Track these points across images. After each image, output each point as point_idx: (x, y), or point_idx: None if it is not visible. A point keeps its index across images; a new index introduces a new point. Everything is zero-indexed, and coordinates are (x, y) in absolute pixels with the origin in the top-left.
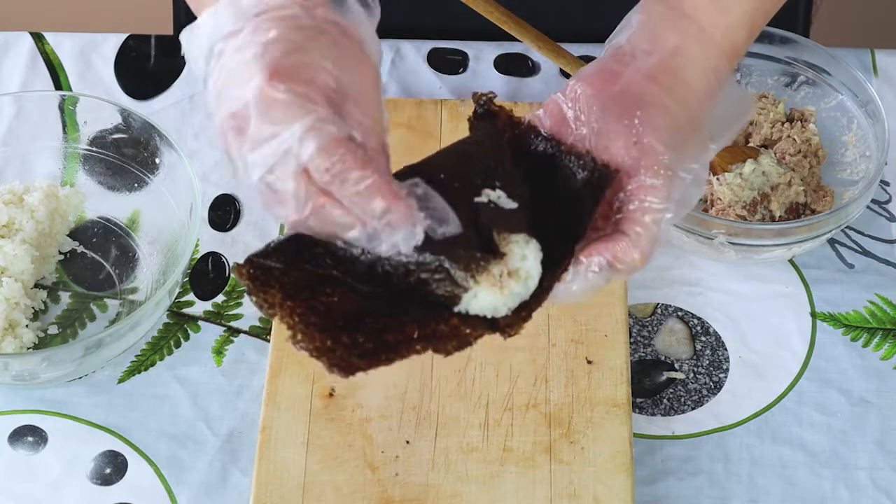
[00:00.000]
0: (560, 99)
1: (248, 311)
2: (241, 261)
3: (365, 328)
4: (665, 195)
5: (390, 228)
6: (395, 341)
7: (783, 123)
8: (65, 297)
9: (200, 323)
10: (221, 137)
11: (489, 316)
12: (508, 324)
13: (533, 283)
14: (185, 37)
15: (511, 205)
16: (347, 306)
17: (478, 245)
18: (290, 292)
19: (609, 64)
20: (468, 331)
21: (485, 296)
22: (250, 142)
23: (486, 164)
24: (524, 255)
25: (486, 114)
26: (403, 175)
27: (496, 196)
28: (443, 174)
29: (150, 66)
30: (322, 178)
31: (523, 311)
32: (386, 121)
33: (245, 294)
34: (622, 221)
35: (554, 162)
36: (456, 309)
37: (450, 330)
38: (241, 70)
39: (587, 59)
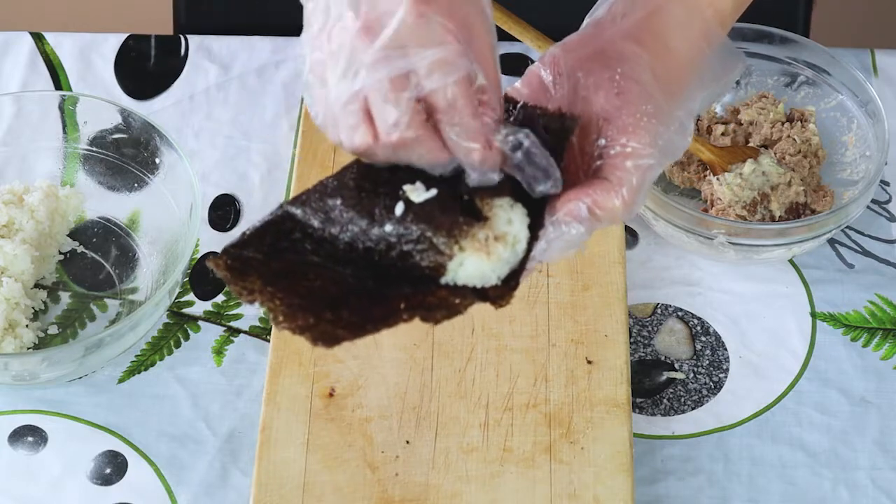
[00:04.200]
0: (536, 67)
1: (249, 312)
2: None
3: (350, 305)
4: (647, 141)
5: (475, 170)
6: (381, 314)
7: (783, 123)
8: (65, 297)
9: (200, 323)
10: (338, 37)
11: (478, 286)
12: (499, 294)
13: (521, 247)
14: None
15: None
16: (331, 289)
17: (461, 207)
18: (270, 279)
19: (587, 30)
20: (457, 300)
21: (472, 263)
22: (377, 49)
23: None
24: (510, 219)
25: None
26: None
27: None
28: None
29: (150, 66)
30: (440, 111)
31: (512, 280)
32: (497, 59)
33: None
34: (603, 168)
35: (531, 128)
36: (443, 281)
37: (438, 301)
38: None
39: None
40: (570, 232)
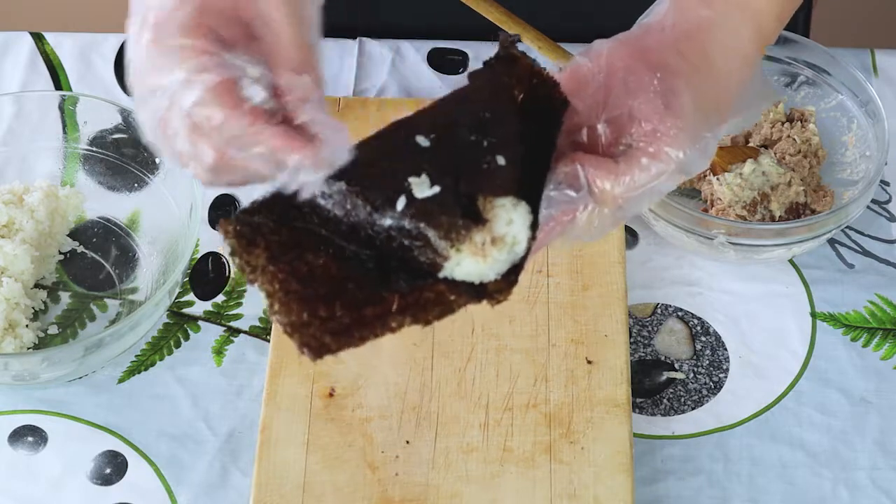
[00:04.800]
0: (579, 58)
1: (248, 311)
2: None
3: (344, 299)
4: (670, 150)
5: (289, 172)
6: (372, 315)
7: (783, 123)
8: (65, 297)
9: (200, 323)
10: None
11: (476, 282)
12: (497, 289)
13: (521, 248)
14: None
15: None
16: (332, 270)
17: (462, 208)
18: (275, 253)
19: (636, 31)
20: (453, 297)
21: (468, 264)
22: (138, 100)
23: (480, 117)
24: (510, 220)
25: (507, 58)
26: (387, 131)
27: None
28: (432, 128)
29: None
30: (209, 131)
31: (512, 276)
32: (310, 38)
33: (244, 294)
34: (619, 156)
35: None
36: (441, 274)
37: (435, 297)
38: (132, 41)
39: None
40: (565, 198)
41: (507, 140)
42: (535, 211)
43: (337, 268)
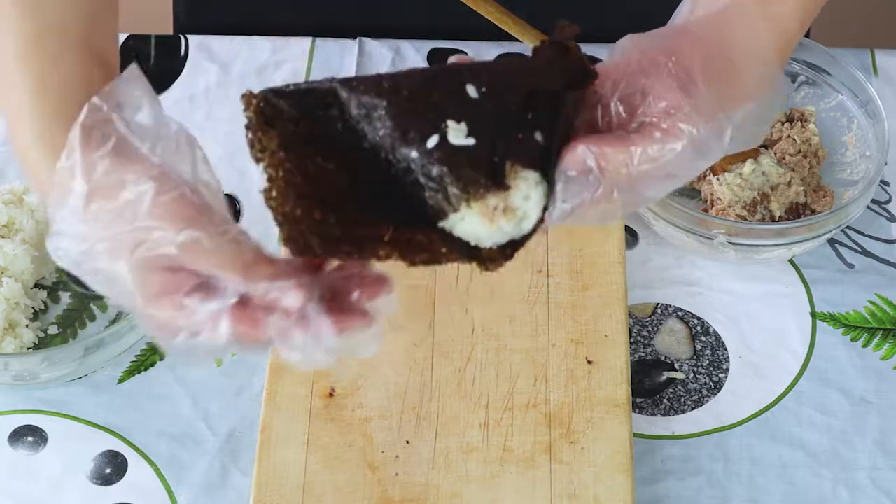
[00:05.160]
0: (607, 60)
1: None
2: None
3: (341, 212)
4: (683, 125)
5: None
6: (362, 237)
7: (783, 123)
8: (65, 297)
9: None
10: None
11: (472, 243)
12: (491, 257)
13: (528, 224)
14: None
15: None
16: (337, 180)
17: (489, 168)
18: (289, 142)
19: (663, 28)
20: (444, 250)
21: (472, 222)
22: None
23: (532, 90)
24: (528, 195)
25: (558, 46)
26: (441, 70)
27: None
28: (485, 83)
29: (150, 66)
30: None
31: (508, 249)
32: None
33: None
34: (635, 129)
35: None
36: (441, 224)
37: (427, 243)
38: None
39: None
40: (578, 189)
41: (549, 120)
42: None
43: (343, 179)
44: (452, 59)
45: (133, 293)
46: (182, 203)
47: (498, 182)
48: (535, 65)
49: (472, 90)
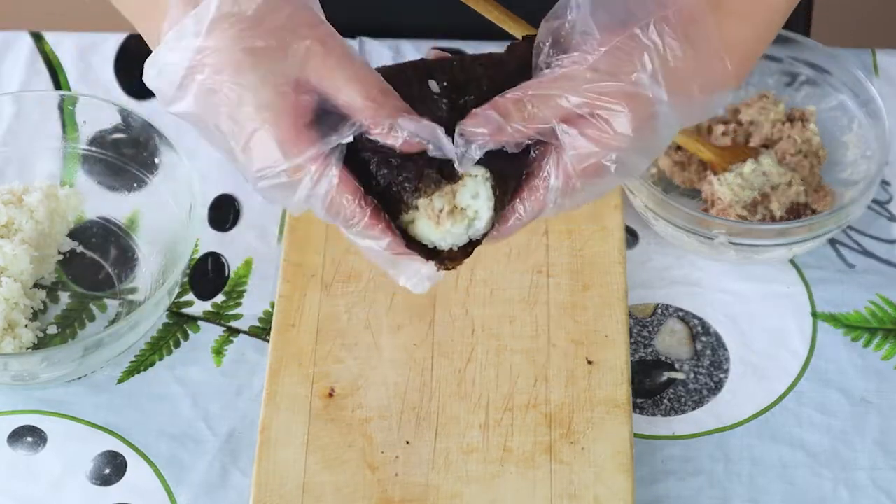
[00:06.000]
0: None
1: (248, 312)
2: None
3: None
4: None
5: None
6: None
7: (783, 123)
8: (64, 298)
9: (200, 323)
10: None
11: (430, 245)
12: (451, 257)
13: (481, 224)
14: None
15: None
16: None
17: (438, 161)
18: None
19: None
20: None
21: (421, 225)
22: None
23: (495, 85)
24: (476, 193)
25: (531, 42)
26: (408, 65)
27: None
28: (447, 78)
29: None
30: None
31: (469, 248)
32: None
33: (244, 294)
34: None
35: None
36: (399, 221)
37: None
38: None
39: None
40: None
41: None
42: (503, 194)
43: (350, 167)
44: (430, 53)
45: (238, 107)
46: (318, 25)
47: (449, 176)
48: (502, 60)
49: (433, 85)
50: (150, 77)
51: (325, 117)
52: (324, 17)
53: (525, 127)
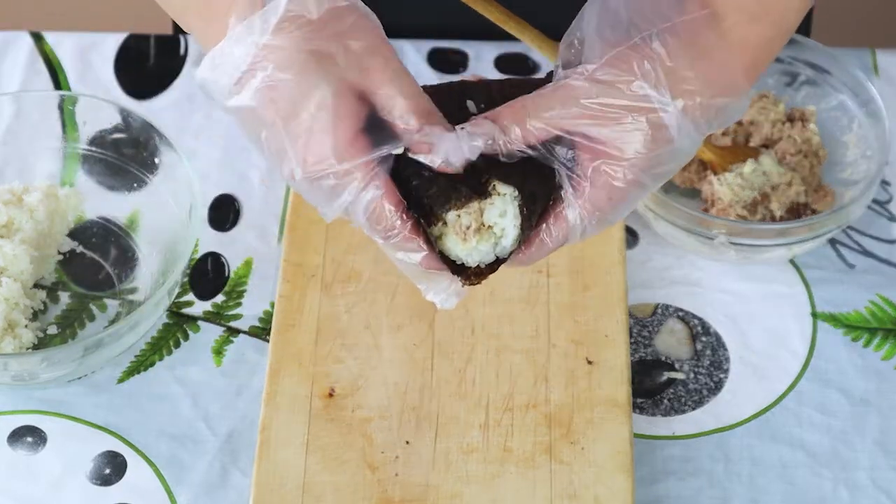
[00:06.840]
0: None
1: (248, 312)
2: None
3: None
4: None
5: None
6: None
7: (783, 123)
8: (64, 298)
9: (200, 323)
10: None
11: (457, 262)
12: (477, 273)
13: (508, 242)
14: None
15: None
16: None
17: (468, 177)
18: None
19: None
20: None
21: (449, 241)
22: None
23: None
24: (504, 211)
25: None
26: (447, 86)
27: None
28: (484, 99)
29: (149, 66)
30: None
31: (495, 265)
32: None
33: (244, 294)
34: None
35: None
36: (429, 233)
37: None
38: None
39: None
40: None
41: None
42: (530, 213)
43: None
44: (466, 77)
45: (298, 105)
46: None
47: (480, 192)
48: (539, 83)
49: (471, 105)
50: (205, 68)
51: (374, 127)
52: (382, 29)
53: (515, 142)
